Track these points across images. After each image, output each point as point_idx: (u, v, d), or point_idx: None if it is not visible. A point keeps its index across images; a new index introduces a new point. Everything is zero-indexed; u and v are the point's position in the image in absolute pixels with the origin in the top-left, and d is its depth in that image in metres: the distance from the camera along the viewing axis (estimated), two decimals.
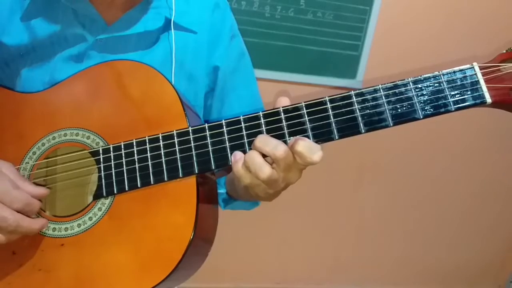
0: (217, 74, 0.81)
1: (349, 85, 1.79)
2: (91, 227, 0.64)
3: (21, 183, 0.62)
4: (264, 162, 0.58)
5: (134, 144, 0.64)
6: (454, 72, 0.58)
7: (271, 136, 0.59)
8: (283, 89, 1.73)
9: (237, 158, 0.59)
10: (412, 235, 2.14)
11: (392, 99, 0.58)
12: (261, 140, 0.58)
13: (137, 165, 0.63)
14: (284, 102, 0.60)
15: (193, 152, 0.62)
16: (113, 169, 0.64)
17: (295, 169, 0.59)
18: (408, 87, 0.58)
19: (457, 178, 2.07)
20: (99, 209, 0.64)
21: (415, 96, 0.57)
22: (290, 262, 2.08)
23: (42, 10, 0.73)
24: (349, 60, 1.78)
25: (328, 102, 0.59)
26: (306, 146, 0.56)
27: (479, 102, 0.57)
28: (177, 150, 0.62)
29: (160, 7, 0.76)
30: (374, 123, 0.58)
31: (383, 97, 0.58)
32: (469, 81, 0.57)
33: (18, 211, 0.60)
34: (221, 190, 0.82)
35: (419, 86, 0.58)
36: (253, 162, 0.57)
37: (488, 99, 0.57)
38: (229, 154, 0.61)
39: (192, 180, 0.62)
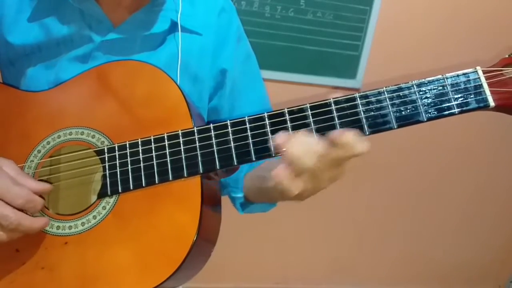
0: (225, 76, 0.81)
1: (349, 85, 1.80)
2: (95, 225, 0.64)
3: (22, 179, 0.60)
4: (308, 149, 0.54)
5: (139, 143, 0.64)
6: (458, 75, 0.58)
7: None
8: (284, 89, 1.73)
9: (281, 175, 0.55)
10: (412, 235, 2.15)
11: (396, 101, 0.58)
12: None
13: (142, 164, 0.63)
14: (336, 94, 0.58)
15: (198, 152, 0.62)
16: (118, 168, 0.64)
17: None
18: (412, 90, 0.58)
19: (457, 178, 2.08)
20: (104, 207, 0.64)
21: (419, 99, 0.58)
22: (290, 262, 2.08)
23: (49, 10, 0.73)
24: (349, 60, 1.78)
25: (333, 104, 0.59)
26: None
27: (483, 105, 0.57)
28: (182, 150, 0.62)
29: (166, 10, 0.76)
30: (379, 125, 0.58)
31: (387, 99, 0.58)
32: (472, 84, 0.57)
33: (20, 208, 0.59)
34: (239, 194, 0.81)
35: (423, 89, 0.58)
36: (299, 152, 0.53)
37: (491, 103, 0.57)
38: (233, 155, 0.61)
39: (196, 180, 0.62)
